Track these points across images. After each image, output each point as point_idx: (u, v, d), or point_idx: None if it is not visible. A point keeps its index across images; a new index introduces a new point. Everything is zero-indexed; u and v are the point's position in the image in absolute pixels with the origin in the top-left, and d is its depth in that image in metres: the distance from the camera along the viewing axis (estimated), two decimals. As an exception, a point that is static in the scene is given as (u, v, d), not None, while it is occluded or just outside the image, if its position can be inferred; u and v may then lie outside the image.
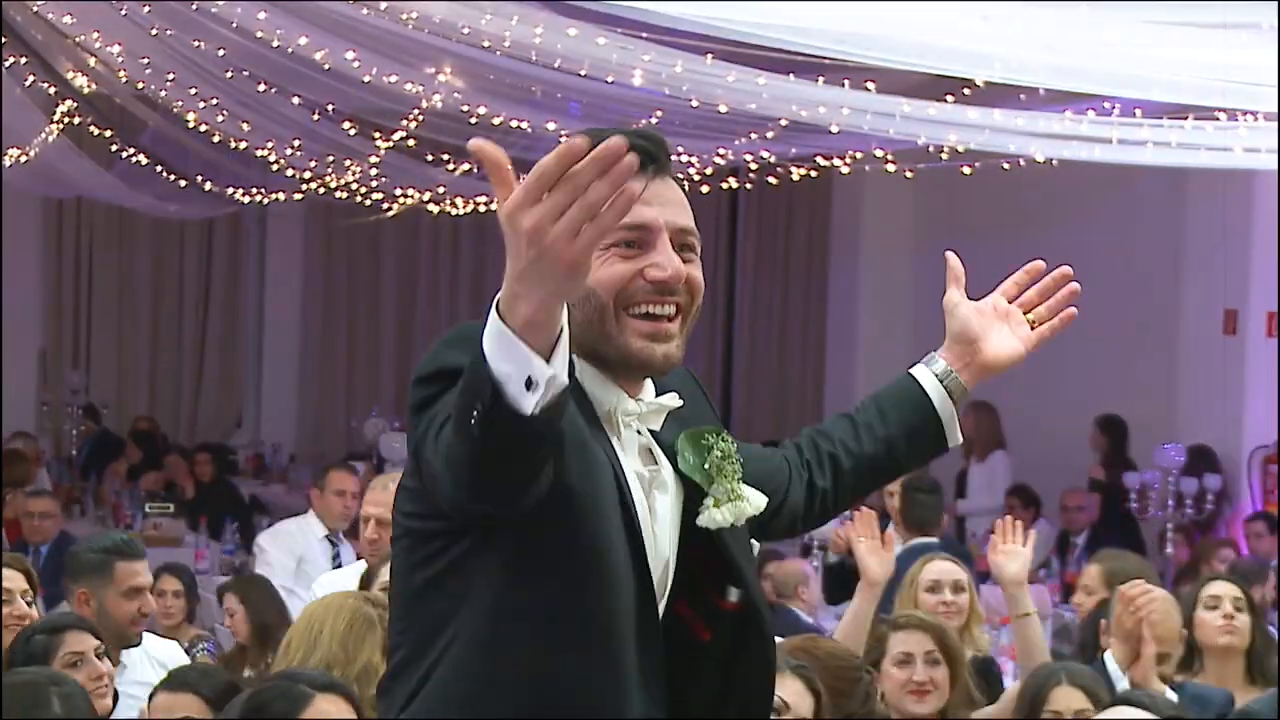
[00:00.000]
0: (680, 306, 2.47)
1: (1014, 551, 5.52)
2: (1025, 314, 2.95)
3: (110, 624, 5.26)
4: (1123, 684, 5.07)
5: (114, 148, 12.27)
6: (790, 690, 4.24)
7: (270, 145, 10.96)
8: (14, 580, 5.34)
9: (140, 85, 10.21)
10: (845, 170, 10.53)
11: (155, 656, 5.41)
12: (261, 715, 3.83)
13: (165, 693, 4.48)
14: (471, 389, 2.10)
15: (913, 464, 2.94)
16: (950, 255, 2.96)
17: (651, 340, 2.45)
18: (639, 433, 2.52)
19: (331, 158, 11.21)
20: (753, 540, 2.65)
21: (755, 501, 2.52)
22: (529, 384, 2.06)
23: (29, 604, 5.35)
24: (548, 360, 2.06)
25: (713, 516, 2.49)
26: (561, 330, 2.08)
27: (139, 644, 5.40)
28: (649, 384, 2.54)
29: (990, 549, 5.68)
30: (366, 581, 5.77)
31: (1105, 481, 11.65)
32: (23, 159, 11.75)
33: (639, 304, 2.45)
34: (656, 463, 2.53)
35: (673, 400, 2.54)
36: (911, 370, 2.86)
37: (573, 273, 2.04)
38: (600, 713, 2.37)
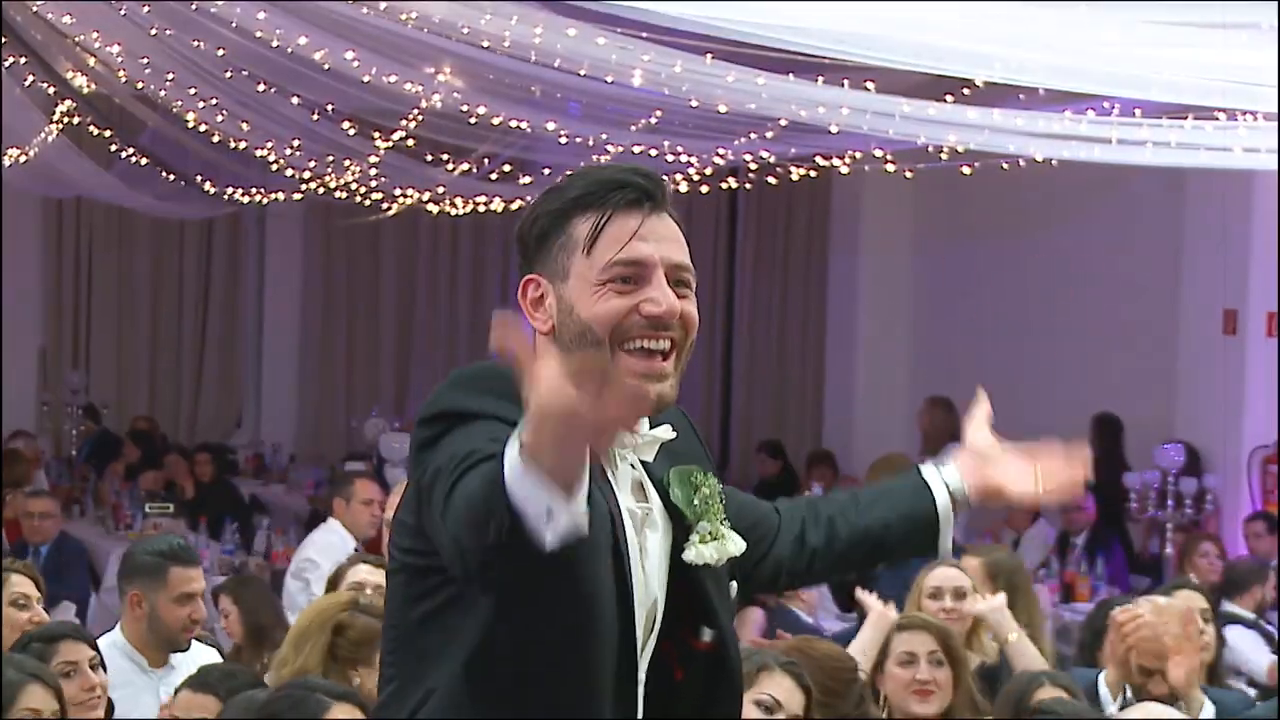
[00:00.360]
0: (675, 341, 2.50)
1: (985, 600, 5.61)
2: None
3: (161, 628, 5.28)
4: (1111, 709, 5.05)
5: (113, 148, 12.26)
6: (781, 688, 4.24)
7: (270, 145, 10.96)
8: (25, 586, 5.34)
9: (140, 85, 10.20)
10: (845, 170, 10.52)
11: (200, 663, 5.42)
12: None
13: (188, 691, 4.51)
14: (490, 508, 2.12)
15: (899, 556, 2.90)
16: (982, 394, 2.93)
17: (645, 379, 2.47)
18: (632, 466, 2.55)
19: (331, 158, 11.20)
20: (732, 584, 2.67)
21: (736, 543, 2.56)
22: (550, 514, 2.08)
23: (43, 609, 5.35)
24: (570, 496, 2.09)
25: (700, 552, 2.52)
26: (584, 467, 2.11)
27: (187, 649, 5.40)
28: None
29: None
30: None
31: (1095, 479, 11.65)
32: (22, 159, 11.75)
33: (634, 339, 2.48)
34: (647, 498, 2.55)
35: (667, 432, 2.57)
36: (922, 469, 2.82)
37: (596, 442, 2.09)
38: None
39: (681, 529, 2.54)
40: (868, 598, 5.43)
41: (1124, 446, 12.10)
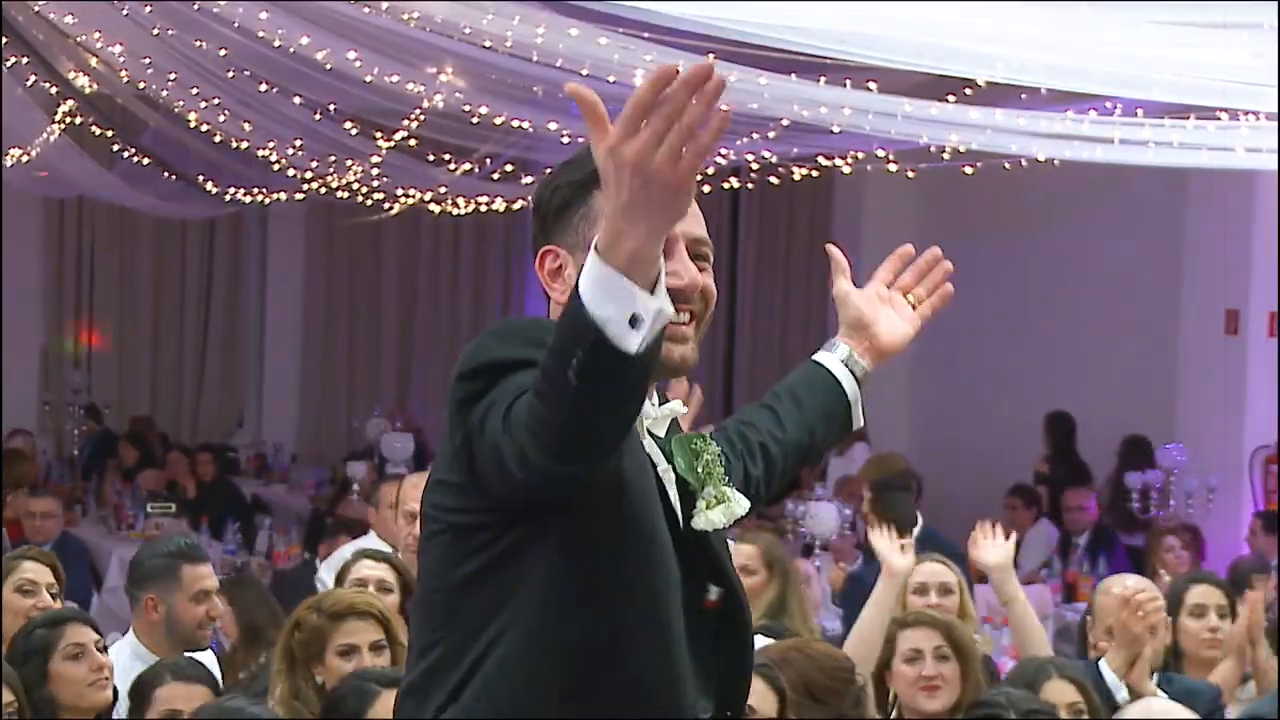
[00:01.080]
0: (694, 314, 2.54)
1: (993, 543, 5.58)
2: (906, 296, 3.11)
3: (179, 629, 5.24)
4: (1121, 693, 5.04)
5: (115, 148, 12.27)
6: (755, 692, 4.20)
7: (272, 145, 10.96)
8: (39, 574, 5.36)
9: (141, 85, 10.21)
10: (847, 170, 10.52)
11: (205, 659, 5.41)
12: (337, 711, 4.11)
13: (180, 684, 4.51)
14: (570, 337, 2.12)
15: (827, 446, 3.07)
16: (833, 249, 3.07)
17: (670, 341, 2.48)
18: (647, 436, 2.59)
19: (333, 157, 11.21)
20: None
21: (742, 503, 2.59)
22: (633, 321, 2.09)
23: (54, 596, 5.36)
24: (652, 289, 2.10)
25: (709, 518, 2.55)
26: (661, 267, 2.12)
27: (206, 648, 5.38)
28: (653, 391, 2.61)
29: (970, 545, 5.74)
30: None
31: (1049, 475, 11.82)
32: (24, 159, 11.75)
33: None
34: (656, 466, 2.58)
35: (679, 407, 2.62)
36: (816, 358, 2.99)
37: (679, 196, 2.08)
38: (664, 694, 2.44)
39: (687, 496, 2.57)
40: (881, 542, 5.38)
41: (1076, 443, 12.20)
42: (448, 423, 2.45)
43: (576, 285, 2.11)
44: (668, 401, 2.63)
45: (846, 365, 2.96)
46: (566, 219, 2.54)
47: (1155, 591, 5.39)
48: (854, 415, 2.96)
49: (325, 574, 7.69)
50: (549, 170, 2.66)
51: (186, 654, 5.22)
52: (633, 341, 2.09)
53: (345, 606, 4.65)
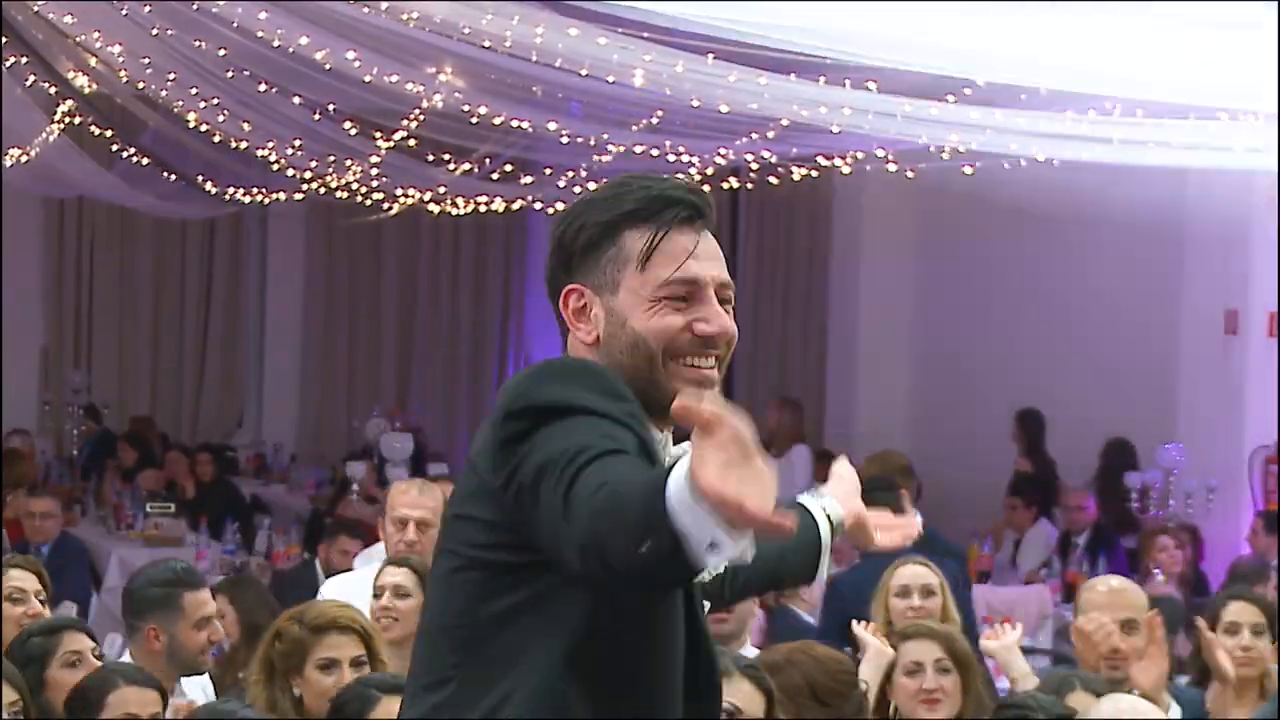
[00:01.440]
0: (719, 357, 2.61)
1: (1002, 634, 5.58)
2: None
3: (182, 655, 5.15)
4: None
5: (115, 148, 12.26)
6: (741, 693, 4.19)
7: (271, 145, 10.96)
8: (26, 580, 5.33)
9: (141, 85, 10.21)
10: (846, 170, 10.51)
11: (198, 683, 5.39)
12: (340, 714, 4.17)
13: (133, 688, 4.46)
14: (651, 521, 2.13)
15: (786, 584, 3.22)
16: (842, 457, 3.08)
17: (699, 386, 2.55)
18: None
19: (332, 157, 11.20)
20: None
21: None
22: (712, 544, 2.11)
23: (42, 603, 5.33)
24: (739, 531, 2.11)
25: None
26: None
27: (205, 672, 5.35)
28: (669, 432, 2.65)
29: (985, 639, 5.74)
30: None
31: (1031, 473, 11.83)
32: (23, 159, 11.75)
33: (685, 355, 2.57)
34: None
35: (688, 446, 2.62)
36: (805, 502, 2.92)
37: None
38: None
39: None
40: (865, 634, 5.40)
41: (1046, 440, 12.22)
42: (485, 457, 2.44)
43: (666, 481, 2.13)
44: (685, 440, 2.64)
45: (829, 516, 2.89)
46: (594, 259, 2.56)
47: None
48: (820, 565, 2.88)
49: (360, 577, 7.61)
50: (576, 199, 2.67)
51: (185, 678, 5.23)
52: (708, 561, 2.13)
53: (327, 620, 4.59)
